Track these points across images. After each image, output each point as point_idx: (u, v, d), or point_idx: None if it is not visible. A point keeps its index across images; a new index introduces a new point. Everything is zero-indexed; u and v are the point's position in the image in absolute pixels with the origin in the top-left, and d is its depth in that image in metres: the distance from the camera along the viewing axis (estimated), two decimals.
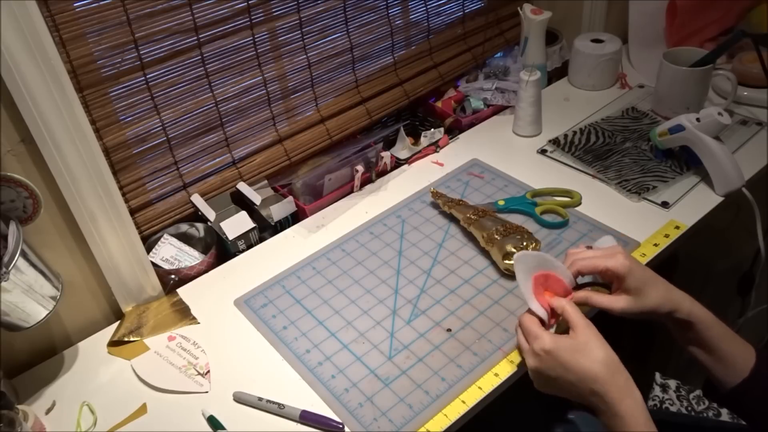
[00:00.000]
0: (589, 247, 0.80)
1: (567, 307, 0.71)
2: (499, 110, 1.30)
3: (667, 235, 0.97)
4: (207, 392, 0.81)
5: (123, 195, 0.93)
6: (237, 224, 1.02)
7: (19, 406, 0.77)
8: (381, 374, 0.81)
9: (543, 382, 0.71)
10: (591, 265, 0.74)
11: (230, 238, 1.00)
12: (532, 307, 0.73)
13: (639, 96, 1.30)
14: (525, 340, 0.72)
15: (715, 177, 1.03)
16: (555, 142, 1.18)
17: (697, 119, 1.02)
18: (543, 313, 0.73)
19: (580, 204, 1.05)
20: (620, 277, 0.72)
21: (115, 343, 0.90)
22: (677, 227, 0.98)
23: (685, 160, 1.09)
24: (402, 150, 1.19)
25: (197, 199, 1.03)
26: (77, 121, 0.79)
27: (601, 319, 0.76)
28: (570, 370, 0.66)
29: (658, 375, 1.06)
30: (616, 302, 0.72)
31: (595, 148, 1.16)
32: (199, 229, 1.05)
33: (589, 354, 0.66)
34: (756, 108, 1.22)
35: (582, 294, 0.75)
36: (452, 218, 1.04)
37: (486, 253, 0.96)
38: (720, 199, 1.03)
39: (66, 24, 0.81)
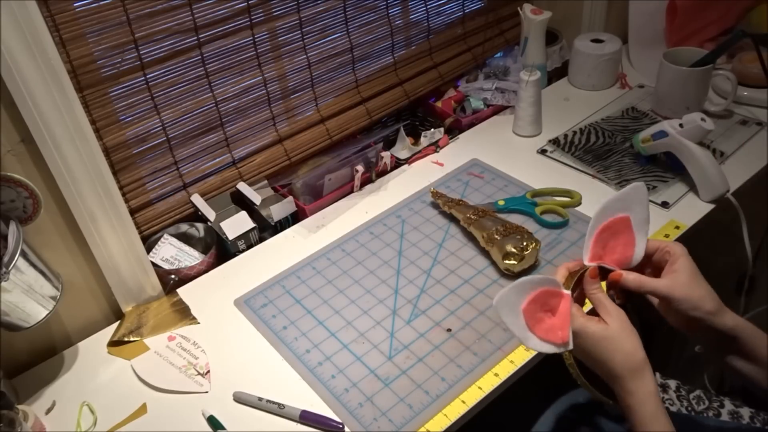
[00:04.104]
0: None
1: (598, 295, 0.66)
2: (499, 110, 1.30)
3: (667, 235, 0.97)
4: (207, 392, 0.81)
5: (123, 195, 0.93)
6: (237, 224, 1.02)
7: (19, 406, 0.77)
8: (381, 374, 0.81)
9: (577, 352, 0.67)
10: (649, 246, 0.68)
11: (230, 238, 1.00)
12: (531, 347, 0.64)
13: (639, 96, 1.30)
14: None
15: (699, 183, 1.02)
16: (555, 142, 1.18)
17: (680, 125, 1.01)
18: (549, 348, 0.64)
19: (580, 204, 1.04)
20: (675, 255, 0.67)
21: (115, 343, 0.90)
22: (677, 227, 0.98)
23: (669, 167, 1.08)
24: (402, 150, 1.19)
25: (197, 199, 1.03)
26: (77, 121, 0.79)
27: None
28: (590, 356, 0.64)
29: (658, 375, 1.06)
30: (664, 283, 0.66)
31: (595, 148, 1.16)
32: (199, 229, 1.05)
33: (618, 346, 0.62)
34: (756, 108, 1.22)
35: (633, 277, 0.68)
36: (452, 218, 1.04)
37: (486, 253, 0.96)
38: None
39: (66, 24, 0.81)
